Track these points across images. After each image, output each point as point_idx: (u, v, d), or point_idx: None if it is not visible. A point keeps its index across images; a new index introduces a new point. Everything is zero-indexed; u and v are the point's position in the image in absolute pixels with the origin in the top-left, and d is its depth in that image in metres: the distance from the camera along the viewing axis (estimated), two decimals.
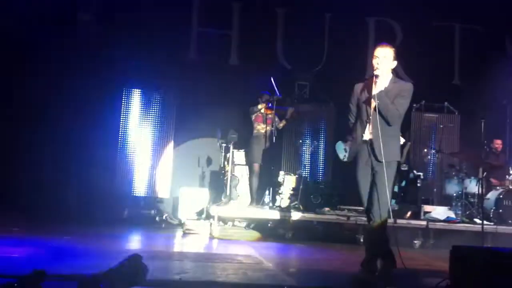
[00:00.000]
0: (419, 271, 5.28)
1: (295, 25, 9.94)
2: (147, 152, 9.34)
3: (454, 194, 8.31)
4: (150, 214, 8.80)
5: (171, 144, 9.45)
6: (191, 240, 7.18)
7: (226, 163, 8.56)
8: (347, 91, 8.78)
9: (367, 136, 4.60)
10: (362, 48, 10.35)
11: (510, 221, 7.72)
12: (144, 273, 3.43)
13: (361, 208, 7.86)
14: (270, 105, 8.39)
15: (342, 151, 8.34)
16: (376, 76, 4.52)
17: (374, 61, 4.59)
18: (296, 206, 8.04)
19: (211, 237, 7.34)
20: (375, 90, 4.51)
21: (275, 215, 7.62)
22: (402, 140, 4.78)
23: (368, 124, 4.59)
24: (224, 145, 8.62)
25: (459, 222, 7.69)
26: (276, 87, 8.20)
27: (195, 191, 8.55)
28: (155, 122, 9.44)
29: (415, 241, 7.42)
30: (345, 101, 8.64)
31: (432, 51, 10.05)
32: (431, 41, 10.16)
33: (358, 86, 4.77)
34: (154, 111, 9.49)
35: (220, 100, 9.27)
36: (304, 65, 10.02)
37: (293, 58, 10.04)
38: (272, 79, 8.19)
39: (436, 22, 10.30)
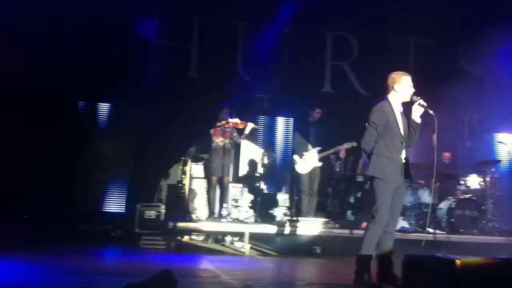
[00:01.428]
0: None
1: (254, 39, 9.99)
2: (104, 166, 9.19)
3: (408, 204, 8.47)
4: (106, 229, 8.62)
5: (129, 158, 9.31)
6: (148, 255, 7.05)
7: (183, 176, 8.50)
8: (305, 104, 9.00)
9: (403, 156, 4.90)
10: (320, 62, 10.53)
11: (461, 230, 7.93)
12: (174, 286, 3.70)
13: (322, 219, 8.02)
14: (228, 117, 8.40)
15: (299, 164, 8.50)
16: (421, 105, 4.87)
17: (411, 89, 4.95)
18: (254, 218, 8.05)
19: (168, 251, 7.24)
20: (417, 118, 4.91)
21: (233, 228, 7.59)
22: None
23: (403, 145, 4.91)
24: (182, 158, 8.56)
25: (412, 232, 7.85)
26: (233, 98, 8.26)
27: (152, 206, 8.41)
28: (113, 135, 9.30)
29: None
30: (303, 114, 8.89)
31: (388, 65, 10.24)
32: (386, 55, 10.39)
33: (386, 108, 4.97)
34: (112, 124, 9.34)
35: (179, 112, 9.21)
36: (264, 78, 10.06)
37: (252, 71, 10.08)
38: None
39: (391, 36, 10.56)
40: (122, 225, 8.62)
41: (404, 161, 4.90)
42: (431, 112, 4.87)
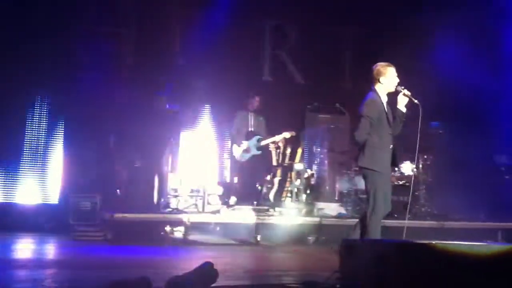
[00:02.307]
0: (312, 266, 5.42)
1: (193, 26, 9.80)
2: (34, 156, 8.83)
3: (345, 191, 8.65)
4: (39, 221, 8.28)
5: (60, 148, 8.97)
6: (81, 247, 6.80)
7: (122, 165, 8.28)
8: (244, 92, 8.97)
9: (391, 146, 5.03)
10: (259, 50, 10.51)
11: (395, 215, 8.18)
12: (215, 277, 3.85)
13: (261, 207, 8.04)
14: (168, 106, 8.27)
15: (238, 152, 8.50)
16: (406, 94, 4.98)
17: (396, 80, 5.02)
18: (194, 207, 7.97)
19: (104, 243, 7.04)
20: (403, 107, 5.03)
21: (173, 217, 7.48)
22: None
23: (391, 135, 5.06)
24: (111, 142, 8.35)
25: (349, 218, 8.03)
26: (170, 86, 8.13)
27: (88, 196, 8.11)
28: (41, 125, 8.93)
29: (309, 237, 7.64)
30: (242, 102, 8.85)
31: (325, 54, 10.43)
32: (324, 44, 10.52)
33: (377, 99, 5.02)
34: (40, 114, 8.96)
35: (114, 100, 8.90)
36: (202, 65, 9.88)
37: (190, 59, 9.89)
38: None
39: (329, 26, 10.67)
40: (55, 217, 8.30)
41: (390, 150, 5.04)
42: (415, 101, 5.00)
